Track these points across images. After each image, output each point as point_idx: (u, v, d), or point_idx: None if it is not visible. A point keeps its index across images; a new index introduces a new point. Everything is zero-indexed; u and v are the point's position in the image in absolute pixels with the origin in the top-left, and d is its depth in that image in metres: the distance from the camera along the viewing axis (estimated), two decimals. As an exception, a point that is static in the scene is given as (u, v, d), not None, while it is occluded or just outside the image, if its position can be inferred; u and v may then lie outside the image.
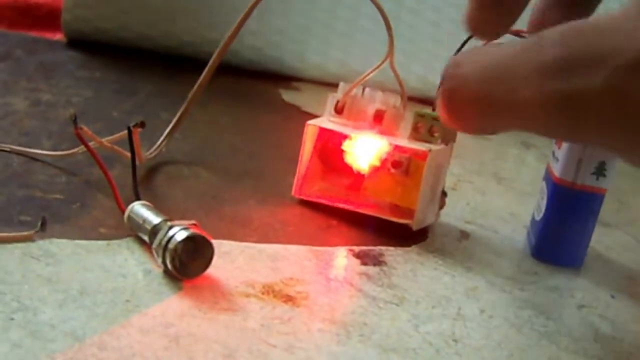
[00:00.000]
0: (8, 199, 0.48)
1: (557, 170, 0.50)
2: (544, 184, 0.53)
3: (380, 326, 0.41)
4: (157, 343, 0.36)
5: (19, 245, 0.42)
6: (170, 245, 0.41)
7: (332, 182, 0.56)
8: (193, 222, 0.42)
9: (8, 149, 0.55)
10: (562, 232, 0.51)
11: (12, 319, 0.36)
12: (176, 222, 0.42)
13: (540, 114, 0.34)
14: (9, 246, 0.42)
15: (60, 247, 0.43)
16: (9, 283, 0.38)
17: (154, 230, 0.43)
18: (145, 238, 0.44)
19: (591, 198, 0.50)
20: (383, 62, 0.53)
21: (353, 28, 0.94)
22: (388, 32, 0.52)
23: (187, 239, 0.41)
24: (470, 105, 0.38)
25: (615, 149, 0.35)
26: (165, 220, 0.43)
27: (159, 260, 0.41)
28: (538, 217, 0.52)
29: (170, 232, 0.41)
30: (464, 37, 0.79)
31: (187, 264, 0.41)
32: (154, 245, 0.42)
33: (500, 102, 0.36)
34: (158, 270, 0.42)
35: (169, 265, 0.41)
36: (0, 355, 0.33)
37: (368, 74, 0.53)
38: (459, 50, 0.52)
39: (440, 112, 0.41)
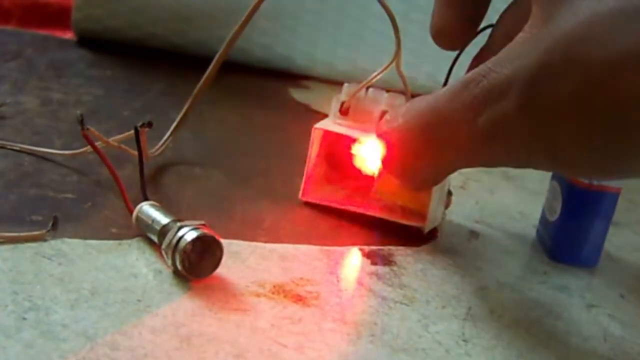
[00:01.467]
0: (19, 198, 0.48)
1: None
2: (554, 184, 0.53)
3: (390, 326, 0.41)
4: (169, 343, 0.36)
5: (31, 244, 0.42)
6: (180, 246, 0.41)
7: (340, 185, 0.56)
8: (202, 222, 0.43)
9: (18, 148, 0.55)
10: (580, 233, 0.51)
11: (24, 318, 0.36)
12: (185, 222, 0.42)
13: (479, 147, 0.40)
14: (21, 246, 0.42)
15: (71, 247, 0.43)
16: (21, 283, 0.39)
17: (163, 231, 0.43)
18: (154, 238, 0.44)
19: (608, 198, 0.50)
20: (390, 64, 0.53)
21: (362, 27, 0.94)
22: (395, 35, 0.52)
23: (197, 239, 0.41)
24: (414, 153, 0.41)
25: (551, 166, 0.39)
26: (174, 221, 0.43)
27: (169, 260, 0.42)
28: (552, 218, 0.52)
29: (180, 233, 0.41)
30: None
31: (197, 264, 0.42)
32: (163, 246, 0.42)
33: (443, 143, 0.40)
34: (168, 271, 0.42)
35: (179, 266, 0.41)
36: (13, 355, 0.33)
37: (374, 77, 0.53)
38: (449, 73, 0.53)
39: (381, 170, 0.43)
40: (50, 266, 0.41)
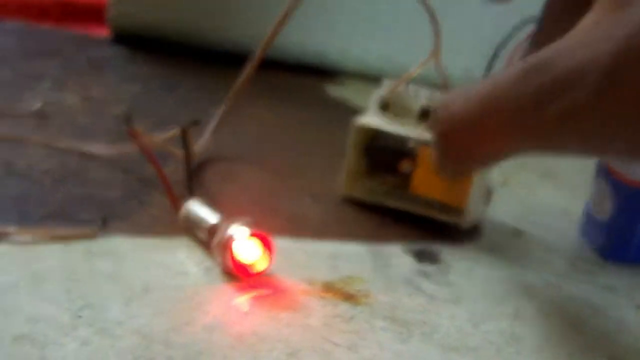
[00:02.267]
0: (66, 196, 0.48)
1: (628, 173, 0.50)
2: (601, 182, 0.52)
3: (440, 325, 0.41)
4: (222, 341, 0.36)
5: (81, 242, 0.43)
6: (230, 244, 0.41)
7: (380, 180, 0.55)
8: (252, 220, 0.43)
9: (63, 146, 0.56)
10: (632, 232, 0.51)
11: (79, 316, 0.36)
12: (234, 219, 0.42)
13: (548, 133, 0.38)
14: (72, 244, 0.42)
15: (121, 245, 0.43)
16: (74, 280, 0.39)
17: (212, 229, 0.43)
18: (203, 236, 0.44)
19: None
20: (429, 58, 0.52)
21: (396, 22, 0.94)
22: (434, 28, 0.52)
23: (247, 237, 0.41)
24: (470, 138, 0.40)
25: (624, 152, 0.37)
26: (224, 218, 0.43)
27: (219, 258, 0.42)
28: (602, 217, 0.52)
29: (230, 231, 0.41)
30: (509, 28, 0.79)
31: (247, 263, 0.42)
32: (213, 244, 0.42)
33: (506, 129, 0.38)
34: (218, 269, 0.42)
35: (229, 264, 0.41)
36: (70, 352, 0.33)
37: (414, 71, 0.53)
38: (530, 36, 0.52)
39: (436, 157, 0.42)
40: (102, 264, 0.41)
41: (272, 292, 0.41)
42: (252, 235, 0.42)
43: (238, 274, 0.41)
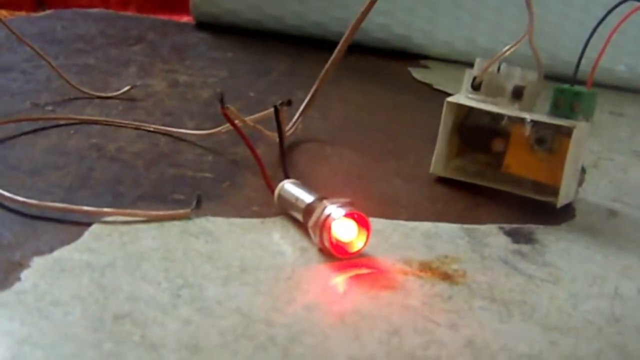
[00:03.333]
0: (159, 177, 0.49)
1: None
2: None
3: (539, 305, 0.40)
4: (323, 320, 0.36)
5: (177, 223, 0.43)
6: (327, 224, 0.41)
7: (471, 160, 0.55)
8: (348, 199, 0.42)
9: (153, 129, 0.56)
10: None
11: (179, 295, 0.36)
12: (331, 199, 0.42)
13: None
14: (167, 224, 0.42)
15: (216, 225, 0.43)
16: (171, 260, 0.39)
17: (309, 209, 0.43)
18: (299, 216, 0.43)
19: None
20: (523, 37, 0.51)
21: (481, 5, 0.93)
22: (528, 8, 0.51)
23: (345, 217, 0.41)
24: None
25: None
26: (320, 198, 0.43)
27: (316, 238, 0.41)
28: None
29: (327, 211, 0.41)
30: (594, 11, 0.78)
31: (344, 242, 0.41)
32: (310, 224, 0.42)
33: None
34: (314, 248, 0.42)
35: (326, 243, 0.41)
36: (172, 331, 0.33)
37: (507, 51, 0.52)
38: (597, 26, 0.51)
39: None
40: (198, 244, 0.41)
41: (370, 271, 0.41)
42: (349, 215, 0.41)
43: (335, 254, 0.41)
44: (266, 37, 0.91)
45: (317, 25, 0.93)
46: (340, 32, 0.58)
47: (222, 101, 0.47)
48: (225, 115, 0.47)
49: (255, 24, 0.94)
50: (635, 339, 0.38)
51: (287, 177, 0.47)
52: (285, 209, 0.45)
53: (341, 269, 0.41)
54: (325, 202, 0.42)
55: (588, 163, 0.62)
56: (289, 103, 0.50)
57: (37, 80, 0.65)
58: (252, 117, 0.53)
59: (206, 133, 0.55)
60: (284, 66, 0.80)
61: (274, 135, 0.52)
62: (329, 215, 0.41)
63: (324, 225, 0.41)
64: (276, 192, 0.46)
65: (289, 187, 0.45)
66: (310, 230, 0.42)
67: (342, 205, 0.41)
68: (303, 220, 0.43)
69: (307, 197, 0.44)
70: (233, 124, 0.48)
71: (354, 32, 0.57)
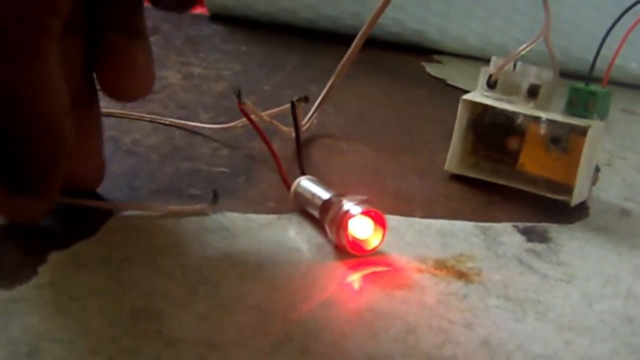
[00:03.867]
0: (175, 172, 0.49)
1: None
2: None
3: (554, 304, 0.40)
4: (340, 318, 0.36)
5: (193, 218, 0.43)
6: (344, 221, 0.41)
7: (486, 157, 0.55)
8: (365, 197, 0.42)
9: (168, 122, 0.56)
10: None
11: (196, 291, 0.36)
12: (348, 196, 0.42)
13: None
14: (183, 219, 0.43)
15: (232, 221, 0.43)
16: (188, 255, 0.39)
17: (326, 205, 0.43)
18: (315, 213, 0.44)
19: None
20: (539, 36, 0.51)
21: (495, 1, 0.93)
22: (544, 6, 0.51)
23: (361, 215, 0.41)
24: None
25: None
26: (337, 195, 0.43)
27: (332, 235, 0.41)
28: None
29: (344, 208, 0.41)
30: (607, 8, 0.78)
31: (360, 239, 0.41)
32: (327, 221, 0.42)
33: None
34: (330, 245, 0.42)
35: (343, 241, 0.41)
36: (188, 327, 0.33)
37: (524, 49, 0.52)
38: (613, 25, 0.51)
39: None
40: (214, 239, 0.41)
41: (385, 269, 0.41)
42: (365, 212, 0.41)
43: (351, 251, 0.41)
44: (279, 30, 0.91)
45: (331, 19, 0.93)
46: (354, 25, 0.58)
47: (239, 96, 0.47)
48: (242, 110, 0.47)
49: (269, 17, 0.94)
50: (650, 341, 0.38)
51: (303, 173, 0.47)
52: (301, 205, 0.45)
53: (357, 266, 0.41)
54: (342, 199, 0.42)
55: (602, 162, 0.62)
56: (306, 99, 0.50)
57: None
58: (268, 112, 0.53)
59: (221, 127, 0.55)
60: (298, 60, 0.81)
61: (290, 131, 0.53)
62: (346, 212, 0.41)
63: (340, 222, 0.41)
64: (292, 188, 0.46)
65: (305, 184, 0.45)
66: (326, 227, 0.42)
67: (359, 203, 0.42)
68: (319, 217, 0.43)
69: (323, 194, 0.44)
70: (250, 119, 0.48)
71: (371, 27, 0.57)
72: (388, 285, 0.39)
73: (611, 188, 0.57)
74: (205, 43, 0.82)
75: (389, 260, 0.42)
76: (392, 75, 0.81)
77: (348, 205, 0.41)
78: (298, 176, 0.46)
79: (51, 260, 0.37)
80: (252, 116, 0.49)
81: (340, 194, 0.43)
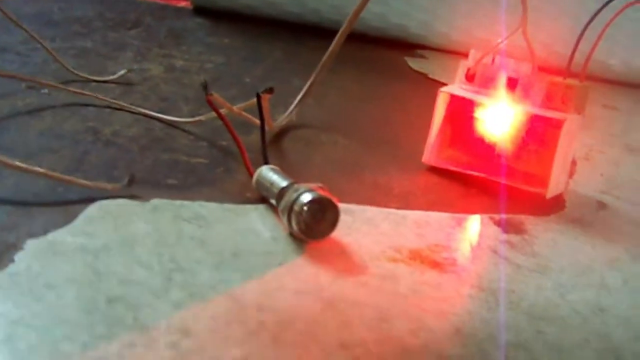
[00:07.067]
0: (154, 162, 0.49)
1: None
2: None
3: (527, 294, 0.41)
4: (313, 306, 0.36)
5: (170, 207, 0.43)
6: (296, 208, 0.41)
7: (463, 150, 0.55)
8: (319, 184, 0.42)
9: (147, 114, 0.56)
10: None
11: (171, 279, 0.36)
12: (302, 184, 0.42)
13: None
14: (161, 209, 0.43)
15: (209, 211, 0.44)
16: (164, 244, 0.39)
17: (281, 193, 0.43)
18: (273, 201, 0.44)
19: None
20: (517, 29, 0.52)
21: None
22: (522, 1, 0.51)
23: (312, 201, 0.41)
24: None
25: None
26: (292, 183, 0.43)
27: (285, 222, 0.42)
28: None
29: (295, 195, 0.41)
30: (589, 4, 0.78)
31: (313, 226, 0.41)
32: (280, 208, 0.42)
33: None
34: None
35: (295, 228, 0.41)
36: (163, 315, 0.34)
37: (501, 42, 0.52)
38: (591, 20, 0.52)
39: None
40: (191, 229, 0.41)
41: (360, 259, 0.41)
42: (318, 198, 0.41)
43: (304, 237, 0.41)
44: (263, 23, 0.91)
45: (314, 12, 0.93)
46: (337, 19, 0.59)
47: (205, 88, 0.47)
48: (209, 102, 0.48)
49: (252, 10, 0.94)
50: (619, 329, 0.39)
51: (266, 162, 0.47)
52: (262, 195, 0.45)
53: (331, 256, 0.41)
54: (296, 186, 0.42)
55: (579, 155, 0.62)
56: (270, 91, 0.50)
57: (34, 62, 0.65)
58: (240, 105, 0.53)
59: (198, 119, 0.55)
60: (281, 53, 0.81)
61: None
62: (297, 199, 0.41)
63: (291, 209, 0.41)
64: (254, 177, 0.46)
65: (266, 173, 0.45)
66: (280, 214, 0.42)
67: (311, 190, 0.42)
68: (276, 205, 0.43)
69: (281, 182, 0.44)
70: (216, 111, 0.48)
71: (353, 22, 0.57)
72: (362, 274, 0.40)
73: (589, 182, 0.58)
74: (188, 36, 0.82)
75: (364, 249, 0.42)
76: (375, 70, 0.81)
77: (300, 191, 0.41)
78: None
79: (27, 248, 0.37)
80: (222, 109, 0.49)
81: (295, 182, 0.43)
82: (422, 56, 0.90)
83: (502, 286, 0.41)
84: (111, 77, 0.63)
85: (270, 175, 0.45)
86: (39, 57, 0.66)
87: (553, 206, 0.52)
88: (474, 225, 0.48)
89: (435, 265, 0.42)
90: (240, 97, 0.54)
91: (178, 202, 0.44)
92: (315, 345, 0.33)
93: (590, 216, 0.52)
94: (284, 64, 0.77)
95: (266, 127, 0.50)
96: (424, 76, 0.81)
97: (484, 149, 0.54)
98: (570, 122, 0.51)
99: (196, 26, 0.87)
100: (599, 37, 0.52)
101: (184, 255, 0.38)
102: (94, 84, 0.62)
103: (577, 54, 0.52)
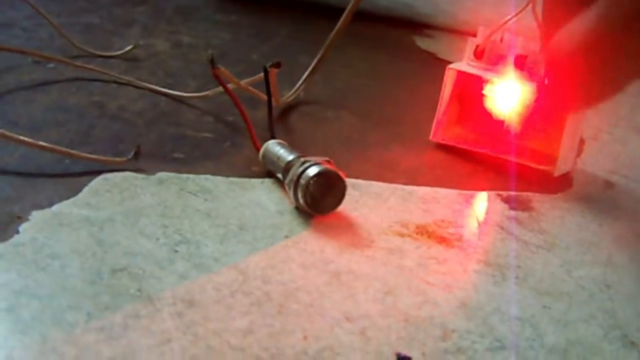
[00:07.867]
0: (160, 136, 0.49)
1: None
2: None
3: (533, 270, 0.40)
4: (319, 278, 0.36)
5: (175, 180, 0.43)
6: (302, 181, 0.41)
7: (471, 127, 0.55)
8: (326, 158, 0.42)
9: (153, 88, 0.56)
10: None
11: (176, 251, 0.36)
12: (309, 157, 0.42)
13: None
14: (167, 182, 0.43)
15: (215, 184, 0.43)
16: (170, 217, 0.39)
17: (287, 167, 0.43)
18: (279, 175, 0.44)
19: None
20: (526, 6, 0.52)
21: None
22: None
23: (319, 174, 0.41)
24: (592, 71, 0.38)
25: None
26: (299, 157, 0.43)
27: (291, 196, 0.41)
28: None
29: (302, 168, 0.41)
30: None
31: (319, 200, 0.41)
32: (286, 181, 0.42)
33: (621, 62, 0.37)
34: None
35: (301, 201, 0.41)
36: (168, 285, 0.33)
37: (510, 19, 0.52)
38: None
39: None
40: (196, 201, 0.41)
41: (367, 233, 0.41)
42: (324, 172, 0.41)
43: (310, 211, 0.41)
44: (271, 1, 0.90)
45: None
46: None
47: (212, 62, 0.47)
48: (216, 75, 0.47)
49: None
50: (624, 305, 0.38)
51: (273, 137, 0.47)
52: (269, 169, 0.45)
53: (337, 229, 0.41)
54: (302, 159, 0.42)
55: (587, 136, 0.62)
56: (278, 65, 0.50)
57: (40, 37, 0.65)
58: (247, 79, 0.53)
59: (204, 94, 0.55)
60: (288, 30, 0.80)
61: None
62: (303, 172, 0.41)
63: (297, 183, 0.41)
64: (260, 151, 0.46)
65: (272, 147, 0.45)
66: (286, 188, 0.42)
67: (319, 163, 0.41)
68: (282, 179, 0.43)
69: (288, 156, 0.44)
70: (223, 84, 0.48)
71: (359, 2, 0.57)
72: (369, 247, 0.40)
73: (597, 161, 0.58)
74: (195, 13, 0.82)
75: (371, 224, 0.42)
76: (382, 49, 0.81)
77: (307, 165, 0.41)
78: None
79: (33, 219, 0.37)
80: (229, 84, 0.49)
81: (302, 156, 0.43)
82: (429, 35, 0.90)
83: (508, 262, 0.41)
84: (117, 52, 0.63)
85: (277, 149, 0.45)
86: (44, 32, 0.65)
87: (560, 184, 0.51)
88: (481, 202, 0.47)
89: (442, 240, 0.42)
90: (247, 74, 0.54)
91: (184, 176, 0.44)
92: (320, 316, 0.33)
93: (597, 195, 0.52)
94: (291, 42, 0.76)
95: (273, 102, 0.50)
96: (432, 55, 0.81)
97: (492, 127, 0.54)
98: (579, 99, 0.50)
99: (204, 4, 0.86)
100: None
101: (189, 228, 0.38)
102: (100, 59, 0.62)
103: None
